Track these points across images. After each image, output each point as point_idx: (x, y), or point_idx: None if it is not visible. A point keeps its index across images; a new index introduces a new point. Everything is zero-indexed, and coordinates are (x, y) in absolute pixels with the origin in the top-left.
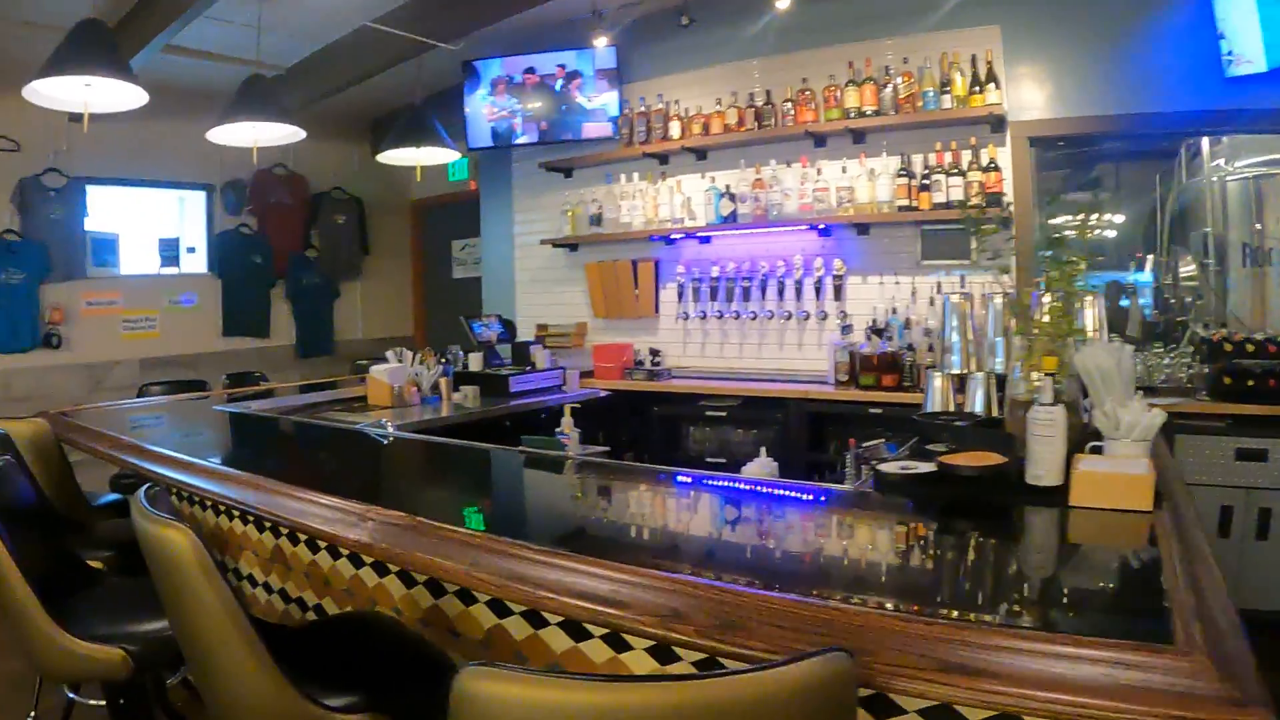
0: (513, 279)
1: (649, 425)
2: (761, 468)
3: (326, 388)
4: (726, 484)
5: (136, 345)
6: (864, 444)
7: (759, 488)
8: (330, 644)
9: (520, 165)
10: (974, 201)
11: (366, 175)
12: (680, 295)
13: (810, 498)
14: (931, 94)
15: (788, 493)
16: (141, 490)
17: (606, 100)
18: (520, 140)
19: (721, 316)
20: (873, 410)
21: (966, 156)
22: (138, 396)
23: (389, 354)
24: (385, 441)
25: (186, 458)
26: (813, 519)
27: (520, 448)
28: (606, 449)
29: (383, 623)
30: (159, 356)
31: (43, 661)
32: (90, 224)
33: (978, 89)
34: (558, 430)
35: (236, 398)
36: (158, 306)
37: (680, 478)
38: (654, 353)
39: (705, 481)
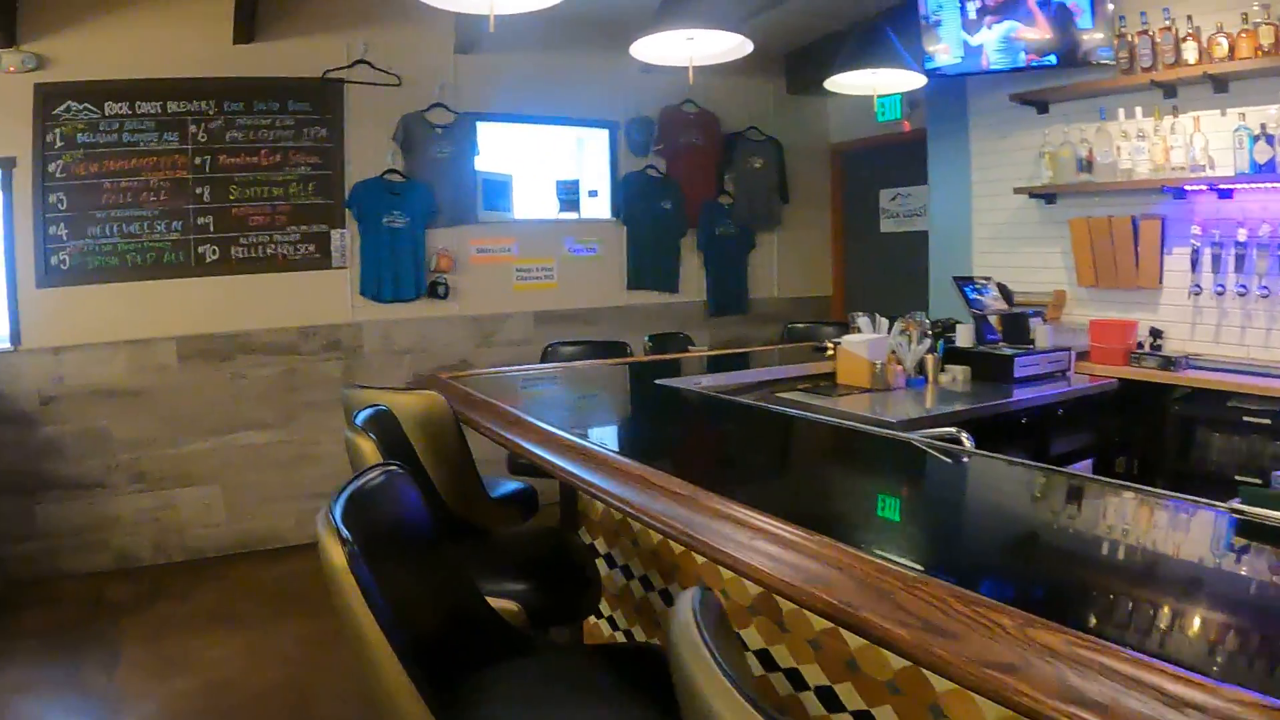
0: (969, 235)
1: (1155, 427)
2: None
3: (739, 359)
4: None
5: (530, 297)
6: None
7: None
8: None
9: (980, 99)
10: None
11: (781, 116)
12: (1193, 263)
13: None
14: None
15: None
16: (689, 611)
17: (1096, 16)
18: (986, 67)
19: (1245, 293)
20: None
21: None
22: (543, 360)
23: (860, 320)
24: (958, 463)
25: (684, 489)
26: None
27: (1236, 502)
28: None
29: None
30: (554, 310)
31: None
32: (480, 164)
33: None
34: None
35: (662, 367)
36: (555, 255)
37: None
38: (1154, 334)
39: None
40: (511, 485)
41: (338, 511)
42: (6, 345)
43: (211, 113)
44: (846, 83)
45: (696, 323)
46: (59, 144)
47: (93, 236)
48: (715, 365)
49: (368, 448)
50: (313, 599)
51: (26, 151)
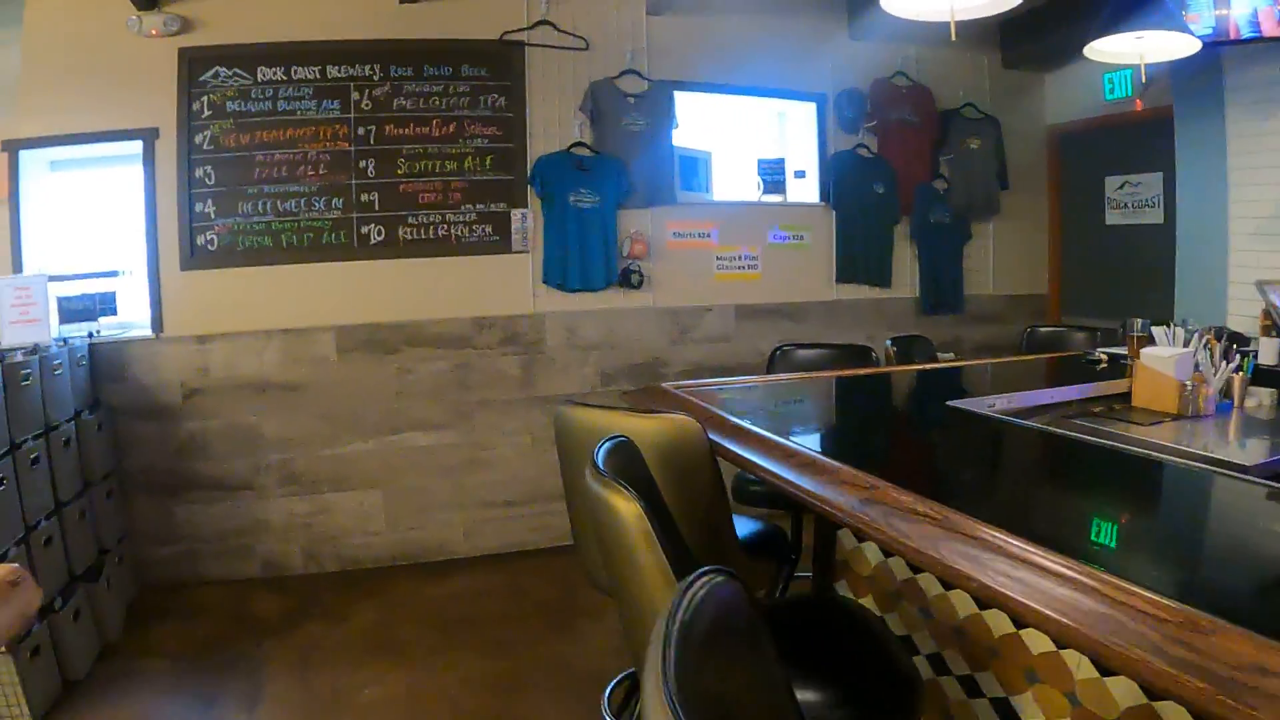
0: (1224, 229)
1: None
2: None
3: (1009, 373)
4: None
5: (731, 289)
6: None
7: None
8: None
9: (1239, 73)
10: None
11: (995, 92)
12: None
13: None
14: None
15: None
16: None
17: None
18: (1236, 37)
19: None
20: None
21: None
22: (770, 365)
23: (1155, 330)
24: None
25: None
26: None
27: None
28: None
29: None
30: (756, 304)
31: None
32: (676, 138)
33: None
34: None
35: (937, 382)
36: (758, 242)
37: None
38: None
39: None
40: (752, 525)
41: (672, 688)
42: (147, 332)
43: (376, 78)
44: (1108, 50)
45: (908, 321)
46: (206, 113)
47: (243, 214)
48: (988, 381)
49: (630, 514)
50: (484, 628)
51: (170, 121)
